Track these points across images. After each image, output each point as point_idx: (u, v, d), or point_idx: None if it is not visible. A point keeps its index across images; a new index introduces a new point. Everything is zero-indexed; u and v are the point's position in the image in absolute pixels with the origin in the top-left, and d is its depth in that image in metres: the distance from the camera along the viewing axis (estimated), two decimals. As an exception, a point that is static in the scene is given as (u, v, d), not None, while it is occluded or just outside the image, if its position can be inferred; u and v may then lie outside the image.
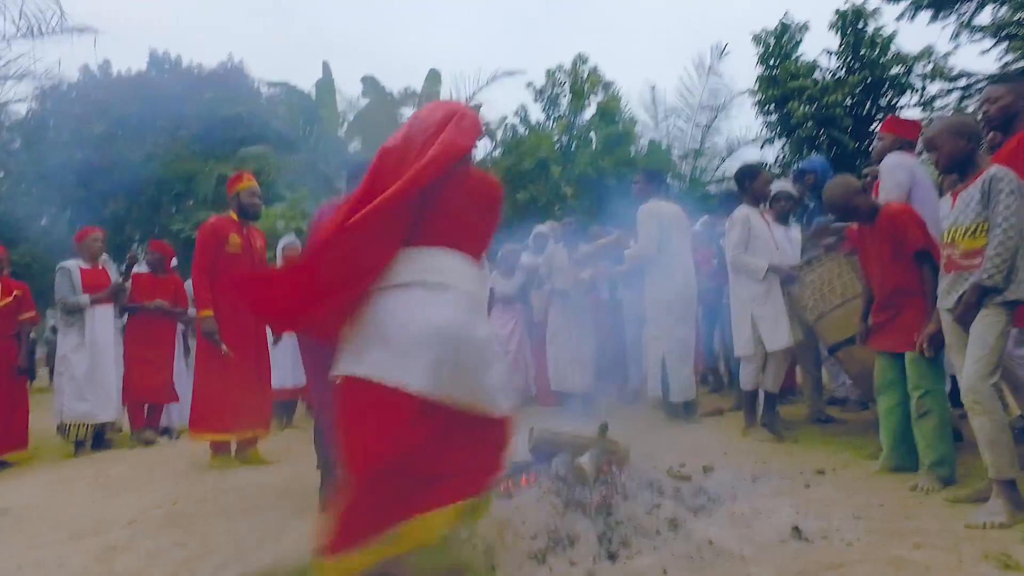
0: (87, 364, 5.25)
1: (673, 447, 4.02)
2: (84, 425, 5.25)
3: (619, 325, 6.42)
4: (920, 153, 4.44)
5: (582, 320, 5.87)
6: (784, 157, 11.06)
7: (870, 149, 9.90)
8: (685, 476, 3.19)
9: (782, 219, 4.66)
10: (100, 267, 5.54)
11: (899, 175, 3.61)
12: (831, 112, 10.09)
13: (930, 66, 10.37)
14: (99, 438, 5.38)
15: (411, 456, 1.98)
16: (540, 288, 6.24)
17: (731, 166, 14.78)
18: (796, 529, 2.43)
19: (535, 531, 2.52)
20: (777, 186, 4.68)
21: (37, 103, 15.53)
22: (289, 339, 5.10)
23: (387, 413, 1.97)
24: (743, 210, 4.30)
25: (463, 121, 2.17)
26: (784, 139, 10.92)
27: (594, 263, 5.65)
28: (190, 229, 12.85)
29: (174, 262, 6.09)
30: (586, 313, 5.93)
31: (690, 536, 2.43)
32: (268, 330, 4.73)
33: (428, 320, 1.99)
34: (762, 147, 11.64)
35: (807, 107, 10.14)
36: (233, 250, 4.50)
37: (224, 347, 4.33)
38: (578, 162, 12.15)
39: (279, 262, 6.17)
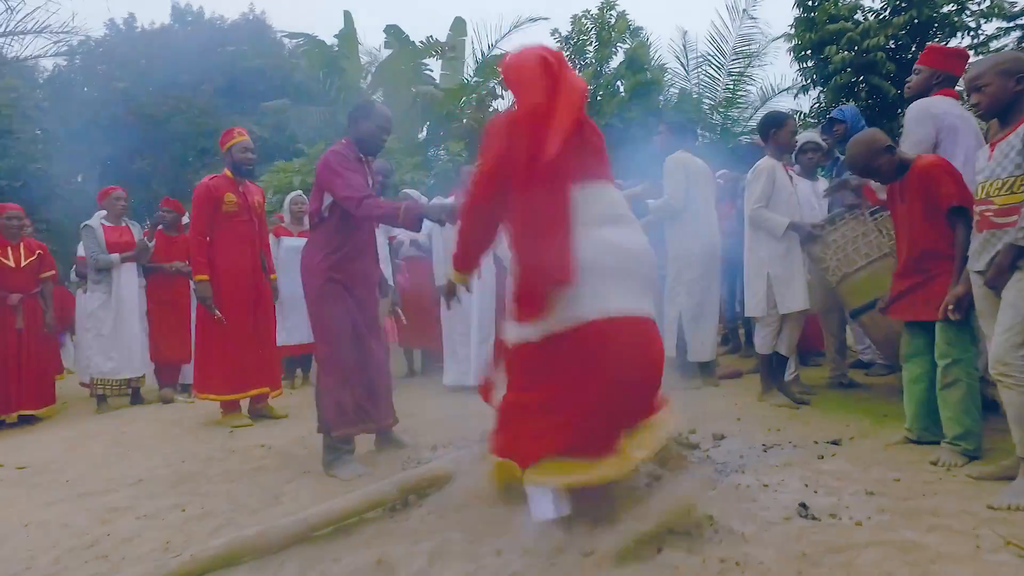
0: (112, 322, 5.35)
1: (685, 411, 3.88)
2: (110, 381, 5.38)
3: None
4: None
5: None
6: (820, 106, 10.46)
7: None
8: (692, 444, 3.08)
9: (808, 173, 4.39)
10: (123, 225, 5.56)
11: (920, 131, 3.23)
12: (872, 57, 9.45)
13: (986, 2, 9.58)
14: (136, 394, 5.52)
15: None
16: None
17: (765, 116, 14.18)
18: (803, 506, 2.31)
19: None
20: (804, 137, 4.39)
21: (65, 60, 15.66)
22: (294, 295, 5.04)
23: (640, 342, 2.12)
24: (767, 162, 4.04)
25: (563, 58, 2.23)
26: (820, 87, 10.31)
27: None
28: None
29: (186, 220, 6.07)
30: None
31: (690, 511, 2.32)
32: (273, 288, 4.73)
33: (645, 249, 2.24)
34: (796, 96, 11.04)
35: (846, 52, 9.51)
36: (230, 209, 4.43)
37: (217, 313, 4.30)
38: (604, 112, 11.71)
39: (286, 218, 6.11)
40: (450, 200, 3.04)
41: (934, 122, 3.21)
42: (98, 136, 13.20)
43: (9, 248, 5.15)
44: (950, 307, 2.67)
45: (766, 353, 4.04)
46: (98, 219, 5.51)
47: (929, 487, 2.49)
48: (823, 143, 4.42)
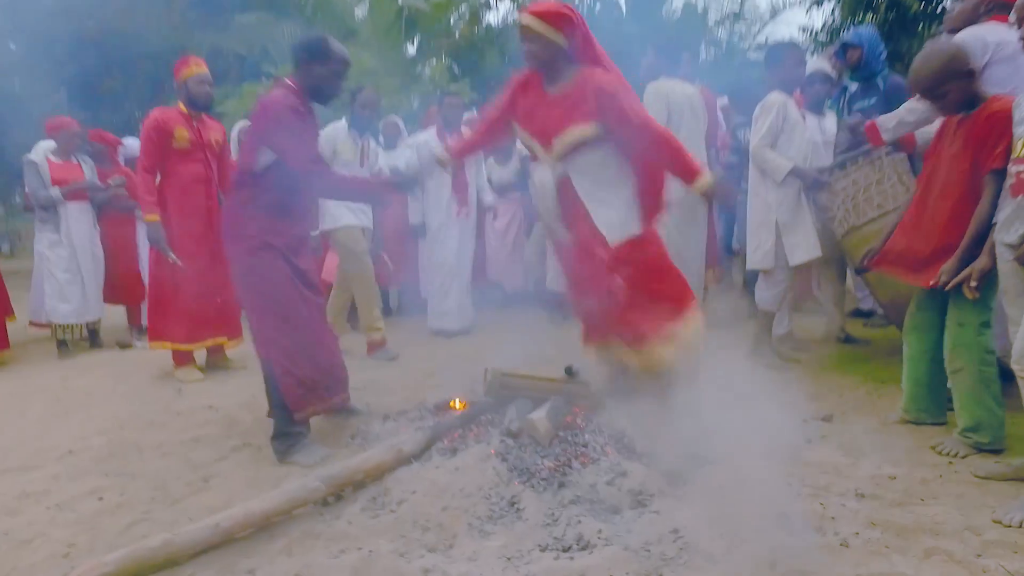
0: (66, 263, 5.01)
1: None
2: (70, 326, 5.09)
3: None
4: None
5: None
6: (833, 23, 9.65)
7: (940, 9, 8.57)
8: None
9: (815, 106, 3.88)
10: (73, 161, 5.11)
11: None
12: (894, -35, 8.64)
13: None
14: (94, 336, 5.29)
15: None
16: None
17: (773, 31, 13.27)
18: (783, 515, 2.01)
19: (471, 503, 2.16)
20: (812, 66, 3.85)
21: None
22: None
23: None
24: (777, 96, 3.53)
25: None
26: (834, 1, 9.47)
27: None
28: (189, 107, 12.18)
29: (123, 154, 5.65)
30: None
31: (654, 520, 2.04)
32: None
33: None
34: (808, 10, 10.17)
35: (866, -40, 8.69)
36: (181, 145, 4.05)
37: (172, 255, 3.95)
38: (600, 29, 10.85)
39: (234, 149, 5.62)
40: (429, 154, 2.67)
41: (988, 51, 2.70)
42: (60, 53, 12.35)
43: None
44: (972, 281, 2.26)
45: (771, 311, 3.68)
46: (43, 152, 5.04)
47: (928, 488, 2.19)
48: (832, 73, 3.88)
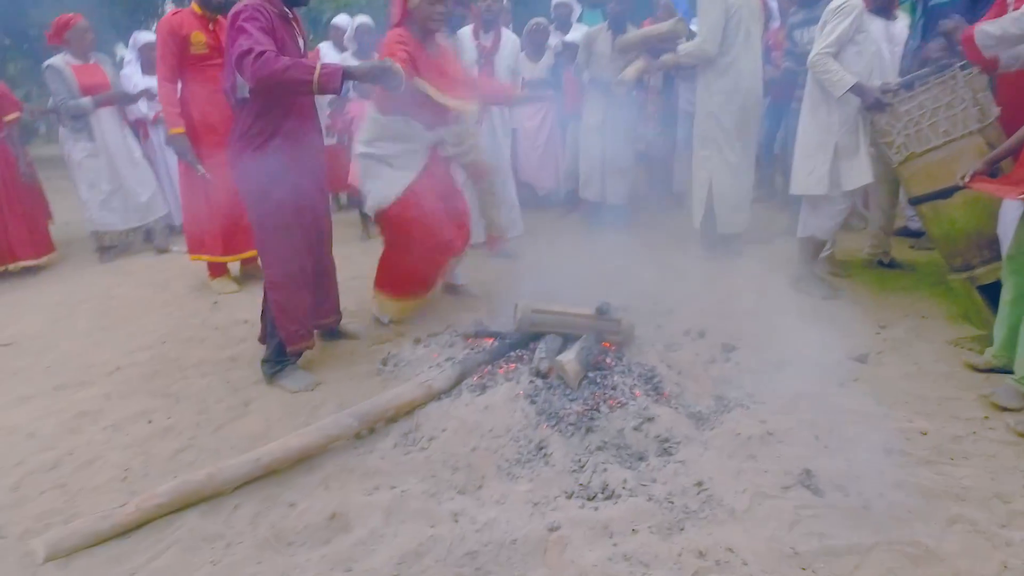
0: (106, 172, 5.02)
1: (699, 298, 3.54)
2: (116, 233, 5.21)
3: (670, 118, 5.52)
4: None
5: (622, 118, 4.96)
6: None
7: None
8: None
9: (882, 10, 3.47)
10: (93, 63, 4.94)
11: None
12: None
13: None
14: (150, 235, 5.45)
15: None
16: (577, 75, 5.25)
17: None
18: (807, 472, 2.03)
19: (500, 445, 2.23)
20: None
21: None
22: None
23: None
24: (849, 2, 3.16)
25: None
26: None
27: (640, 55, 4.58)
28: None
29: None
30: (628, 110, 5.00)
31: (678, 471, 2.07)
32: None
33: None
34: None
35: None
36: (199, 51, 3.88)
37: (200, 168, 3.90)
38: None
39: None
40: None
41: None
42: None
43: None
44: None
45: (823, 238, 3.52)
46: (63, 58, 4.85)
47: (960, 445, 2.17)
48: None
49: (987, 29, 2.66)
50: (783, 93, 4.86)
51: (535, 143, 5.67)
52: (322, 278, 3.09)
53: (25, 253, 4.94)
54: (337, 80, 2.42)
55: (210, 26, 3.90)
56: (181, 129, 3.89)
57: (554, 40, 5.57)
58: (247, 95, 2.60)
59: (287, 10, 2.66)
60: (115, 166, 5.03)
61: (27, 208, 5.02)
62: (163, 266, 4.97)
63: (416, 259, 3.25)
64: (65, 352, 3.47)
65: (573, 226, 5.35)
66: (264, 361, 2.95)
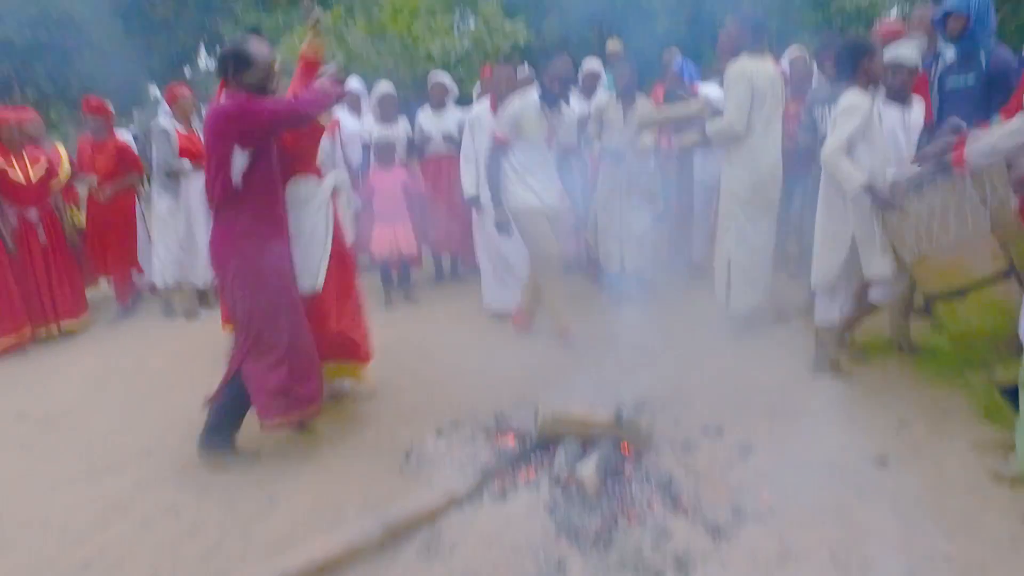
0: (184, 229, 5.32)
1: (718, 386, 3.57)
2: (176, 290, 5.50)
3: (688, 187, 5.60)
4: None
5: (639, 187, 5.01)
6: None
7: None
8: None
9: (899, 96, 3.54)
10: (193, 132, 5.28)
11: None
12: None
13: None
14: (204, 297, 5.66)
15: None
16: (588, 144, 5.34)
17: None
18: (825, 602, 2.03)
19: (520, 560, 2.26)
20: (894, 53, 3.47)
21: None
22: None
23: None
24: (859, 99, 3.22)
25: None
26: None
27: (660, 129, 4.68)
28: (241, 34, 12.04)
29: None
30: (645, 178, 5.05)
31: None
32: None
33: None
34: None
35: None
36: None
37: None
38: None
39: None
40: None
41: None
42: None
43: (15, 161, 4.91)
44: None
45: (833, 327, 3.55)
46: (170, 122, 5.23)
47: (986, 573, 2.15)
48: (916, 62, 3.47)
49: (980, 150, 2.69)
50: (799, 165, 4.92)
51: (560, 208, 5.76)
52: (300, 357, 3.10)
53: (67, 314, 5.19)
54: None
55: None
56: None
57: (581, 108, 5.67)
58: (245, 176, 2.80)
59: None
60: (191, 225, 5.32)
61: (69, 270, 5.28)
62: (193, 334, 5.11)
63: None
64: (96, 431, 3.57)
65: (592, 296, 5.39)
66: (208, 431, 3.08)
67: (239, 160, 2.76)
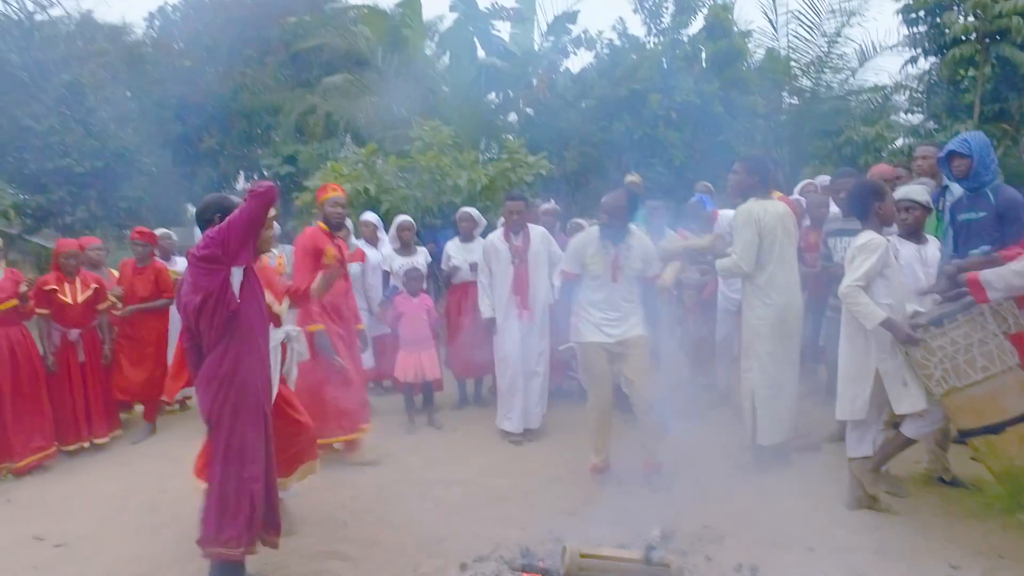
0: None
1: (750, 521, 3.44)
2: None
3: (710, 313, 5.68)
4: None
5: (660, 320, 5.09)
6: (932, 78, 9.16)
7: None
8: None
9: (912, 234, 3.66)
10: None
11: None
12: (1003, 23, 8.08)
13: None
14: None
15: None
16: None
17: (862, 78, 12.69)
18: None
19: None
20: (903, 193, 3.63)
21: (145, 31, 15.95)
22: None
23: None
24: (875, 238, 3.35)
25: None
26: (935, 56, 8.98)
27: (677, 263, 4.83)
28: (278, 165, 12.86)
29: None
30: (664, 307, 5.15)
31: None
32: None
33: None
34: (904, 66, 9.69)
35: (971, 19, 8.17)
36: (329, 261, 4.32)
37: (338, 360, 4.38)
38: (680, 87, 10.73)
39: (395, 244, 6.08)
40: None
41: None
42: (167, 115, 13.35)
43: (66, 284, 5.17)
44: None
45: (860, 456, 3.47)
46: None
47: None
48: (926, 201, 3.63)
49: (991, 280, 2.76)
50: (820, 289, 5.00)
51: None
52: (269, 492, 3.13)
53: (99, 432, 5.28)
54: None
55: (334, 241, 4.56)
56: (322, 326, 4.36)
57: None
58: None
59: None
60: None
61: (104, 389, 5.40)
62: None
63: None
64: (114, 558, 3.50)
65: (619, 424, 5.33)
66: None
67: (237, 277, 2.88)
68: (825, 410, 4.94)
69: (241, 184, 16.93)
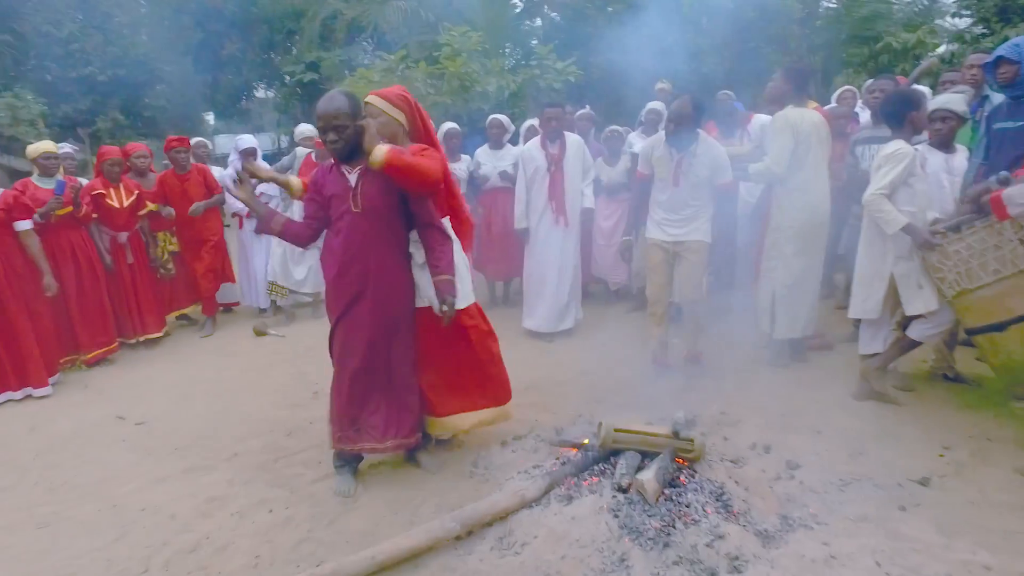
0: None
1: (764, 409, 3.75)
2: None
3: (730, 217, 5.83)
4: None
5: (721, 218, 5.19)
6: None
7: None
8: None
9: (943, 144, 3.75)
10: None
11: None
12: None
13: None
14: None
15: None
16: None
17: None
18: (870, 602, 2.21)
19: (586, 554, 2.49)
20: (939, 103, 3.69)
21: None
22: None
23: None
24: (906, 148, 3.46)
25: None
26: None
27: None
28: (301, 72, 12.76)
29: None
30: (727, 211, 5.23)
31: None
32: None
33: None
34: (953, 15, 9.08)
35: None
36: None
37: None
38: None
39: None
40: None
41: None
42: (187, 21, 13.17)
43: (112, 189, 5.43)
44: None
45: (871, 353, 3.73)
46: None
47: (1024, 579, 2.30)
48: (962, 111, 3.68)
49: (1014, 193, 2.89)
50: (844, 200, 5.11)
51: (610, 241, 6.02)
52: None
53: (149, 328, 5.70)
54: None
55: None
56: None
57: (636, 141, 5.95)
58: None
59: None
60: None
61: (152, 288, 5.79)
62: (263, 349, 5.52)
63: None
64: (188, 433, 3.94)
65: (641, 323, 5.62)
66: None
67: None
68: (841, 314, 5.18)
69: (262, 90, 16.84)
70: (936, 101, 3.74)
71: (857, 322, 4.17)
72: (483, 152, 6.11)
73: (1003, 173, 3.25)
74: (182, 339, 5.99)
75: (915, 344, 3.71)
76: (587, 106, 6.68)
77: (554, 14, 12.59)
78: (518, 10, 12.62)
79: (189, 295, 6.21)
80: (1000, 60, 3.90)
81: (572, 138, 5.32)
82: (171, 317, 6.13)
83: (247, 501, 3.15)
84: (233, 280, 6.54)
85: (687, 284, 4.20)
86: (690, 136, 4.01)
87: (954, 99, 3.67)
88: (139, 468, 3.55)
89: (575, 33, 11.33)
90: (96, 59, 12.25)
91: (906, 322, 3.74)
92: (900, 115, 3.48)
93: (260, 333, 5.90)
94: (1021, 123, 3.91)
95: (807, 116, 4.08)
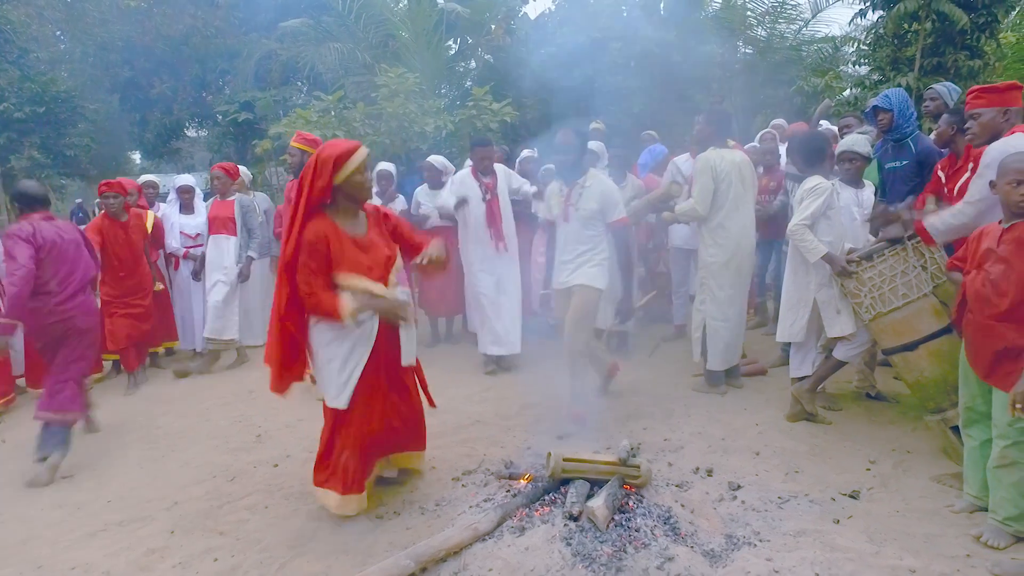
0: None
1: (705, 434, 3.90)
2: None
3: (661, 252, 6.13)
4: None
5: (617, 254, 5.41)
6: (878, 31, 9.55)
7: (985, 22, 8.48)
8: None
9: (852, 180, 4.09)
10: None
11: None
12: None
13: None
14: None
15: None
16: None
17: (814, 28, 13.10)
18: (811, 612, 2.33)
19: (541, 586, 2.52)
20: (845, 144, 4.06)
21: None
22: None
23: None
24: (822, 183, 3.78)
25: None
26: (883, 10, 9.36)
27: (640, 217, 5.19)
28: (234, 112, 12.60)
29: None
30: (621, 241, 5.45)
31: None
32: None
33: None
34: (854, 18, 10.03)
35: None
36: None
37: None
38: (640, 36, 10.90)
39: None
40: None
41: None
42: (115, 59, 12.83)
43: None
44: (1017, 404, 2.44)
45: (801, 376, 3.96)
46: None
47: (952, 581, 2.48)
48: (865, 151, 4.06)
49: (934, 224, 3.21)
50: (772, 231, 5.42)
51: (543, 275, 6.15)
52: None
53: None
54: None
55: None
56: None
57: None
58: None
59: None
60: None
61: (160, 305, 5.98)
62: (195, 392, 5.34)
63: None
64: (122, 484, 3.76)
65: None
66: None
67: None
68: (773, 340, 5.46)
69: (192, 131, 16.47)
70: (843, 143, 4.10)
71: (787, 346, 4.43)
72: (423, 192, 6.19)
73: (909, 199, 3.60)
74: (109, 387, 5.71)
75: (840, 364, 3.96)
76: (535, 149, 6.75)
77: (488, 56, 12.94)
78: (452, 52, 12.93)
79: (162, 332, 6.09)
80: (876, 109, 4.34)
81: (498, 167, 5.48)
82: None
83: (190, 551, 3.02)
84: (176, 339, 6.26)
85: (570, 331, 4.00)
86: (576, 168, 4.02)
87: (859, 141, 4.02)
88: (67, 524, 3.35)
89: (508, 75, 11.68)
90: (11, 95, 11.74)
91: (832, 345, 3.99)
92: (820, 156, 3.81)
93: (182, 375, 5.74)
94: (905, 162, 4.35)
95: (727, 156, 4.35)
